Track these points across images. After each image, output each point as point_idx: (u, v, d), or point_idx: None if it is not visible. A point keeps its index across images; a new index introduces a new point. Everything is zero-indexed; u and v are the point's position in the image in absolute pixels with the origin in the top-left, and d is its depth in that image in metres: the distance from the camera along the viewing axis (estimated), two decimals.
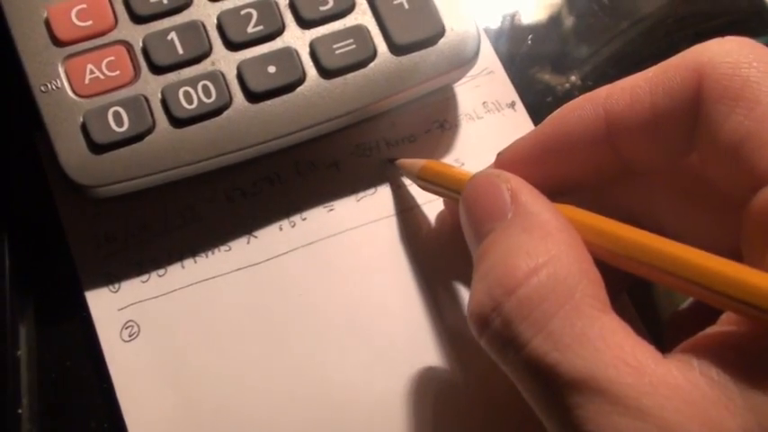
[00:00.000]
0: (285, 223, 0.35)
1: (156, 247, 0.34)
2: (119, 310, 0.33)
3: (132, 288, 0.33)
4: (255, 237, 0.35)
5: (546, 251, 0.23)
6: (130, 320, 0.33)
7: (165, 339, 0.32)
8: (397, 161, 0.35)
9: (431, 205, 0.35)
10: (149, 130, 0.32)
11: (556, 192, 0.26)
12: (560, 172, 0.28)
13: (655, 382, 0.20)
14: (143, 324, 0.33)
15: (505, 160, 0.29)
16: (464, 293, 0.34)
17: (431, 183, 0.32)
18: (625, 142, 0.26)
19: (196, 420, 0.31)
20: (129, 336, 0.32)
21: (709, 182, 0.25)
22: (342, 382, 0.32)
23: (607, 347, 0.21)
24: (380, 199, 0.35)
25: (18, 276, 0.33)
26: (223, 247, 0.34)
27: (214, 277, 0.34)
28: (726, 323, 0.22)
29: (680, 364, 0.21)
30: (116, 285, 0.33)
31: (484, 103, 0.37)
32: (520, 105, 0.38)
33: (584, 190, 0.29)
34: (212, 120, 0.32)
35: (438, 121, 0.37)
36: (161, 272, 0.34)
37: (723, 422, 0.19)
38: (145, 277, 0.34)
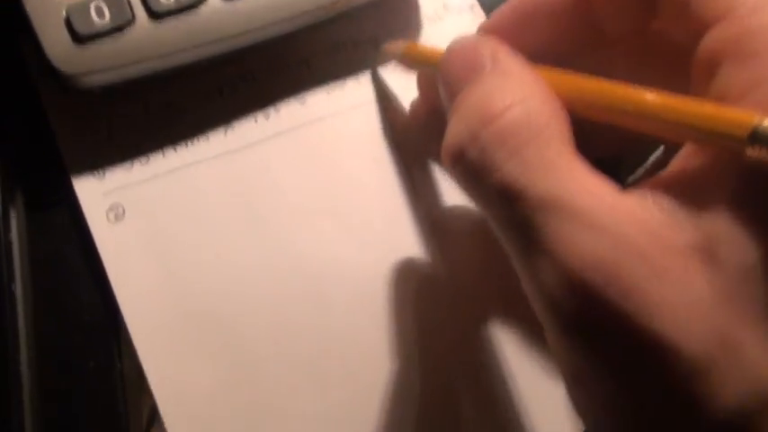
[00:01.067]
0: (260, 115, 0.38)
1: (139, 138, 0.37)
2: (104, 194, 0.36)
3: (116, 174, 0.36)
4: (232, 128, 0.37)
5: (521, 92, 0.26)
6: (116, 202, 0.35)
7: (149, 219, 0.35)
8: (383, 46, 0.38)
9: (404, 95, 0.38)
10: (129, 23, 0.34)
11: (532, 60, 0.29)
12: (536, 40, 0.30)
13: (612, 204, 0.22)
14: (128, 206, 0.35)
15: (485, 31, 0.32)
16: (440, 177, 0.37)
17: (414, 60, 0.35)
18: (595, 8, 0.29)
19: (183, 293, 0.34)
20: (116, 217, 0.35)
21: (671, 45, 0.27)
22: (319, 257, 0.35)
23: (572, 176, 0.23)
24: (350, 91, 0.38)
25: (7, 164, 0.36)
26: (201, 137, 0.37)
27: (193, 163, 0.37)
28: (674, 166, 0.25)
29: (635, 195, 0.23)
30: (101, 172, 0.36)
31: (445, 5, 0.40)
32: (478, 8, 0.40)
33: (557, 58, 0.30)
34: (188, 12, 0.34)
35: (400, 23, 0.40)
36: (143, 159, 0.36)
37: (671, 238, 0.21)
38: (128, 164, 0.36)
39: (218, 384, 0.33)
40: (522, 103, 0.25)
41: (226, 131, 0.37)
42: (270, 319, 0.34)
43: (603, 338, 0.22)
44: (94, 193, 0.35)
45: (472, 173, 0.25)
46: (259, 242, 0.35)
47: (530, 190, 0.23)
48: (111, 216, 0.35)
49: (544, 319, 0.24)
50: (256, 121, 0.37)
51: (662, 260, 0.21)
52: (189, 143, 0.37)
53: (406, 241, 0.36)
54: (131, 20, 0.34)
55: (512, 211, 0.24)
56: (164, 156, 0.36)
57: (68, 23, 0.33)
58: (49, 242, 0.35)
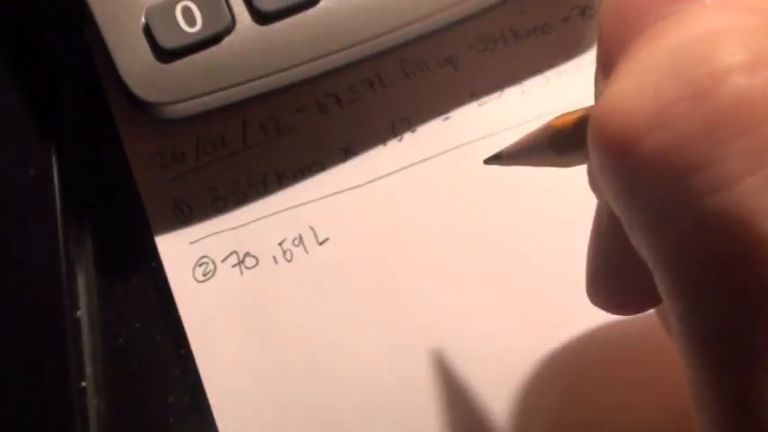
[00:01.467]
0: (390, 136, 0.29)
1: (234, 168, 0.28)
2: (191, 243, 0.28)
3: (206, 217, 0.28)
4: (353, 154, 0.29)
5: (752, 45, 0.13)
6: (204, 256, 0.28)
7: (246, 280, 0.27)
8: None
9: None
10: (228, 30, 0.25)
11: None
12: None
13: None
14: (219, 260, 0.28)
15: None
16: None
17: None
18: None
19: (287, 380, 0.26)
20: (204, 275, 0.27)
21: None
22: (466, 331, 0.27)
23: None
24: (508, 104, 0.29)
25: (71, 214, 0.28)
26: (314, 167, 0.29)
27: (303, 204, 0.28)
28: None
29: None
30: (187, 214, 0.28)
31: None
32: None
33: None
34: (306, 12, 0.26)
35: (578, 6, 0.30)
36: (240, 197, 0.28)
37: None
38: (221, 204, 0.28)
39: None
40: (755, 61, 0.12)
41: (346, 157, 0.29)
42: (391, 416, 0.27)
43: None
44: (179, 243, 0.28)
45: (661, 174, 0.13)
46: (385, 316, 0.27)
47: None
48: (199, 273, 0.27)
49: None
50: (385, 143, 0.29)
51: None
52: (298, 174, 0.28)
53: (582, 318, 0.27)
54: (231, 25, 0.25)
55: (729, 270, 0.12)
56: (266, 191, 0.28)
57: (148, 32, 0.25)
58: (125, 317, 0.27)
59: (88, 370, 0.26)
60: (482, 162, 0.22)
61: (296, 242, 0.27)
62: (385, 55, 0.28)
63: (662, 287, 0.14)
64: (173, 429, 0.26)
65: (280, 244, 0.27)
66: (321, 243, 0.27)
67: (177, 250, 0.27)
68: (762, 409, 0.12)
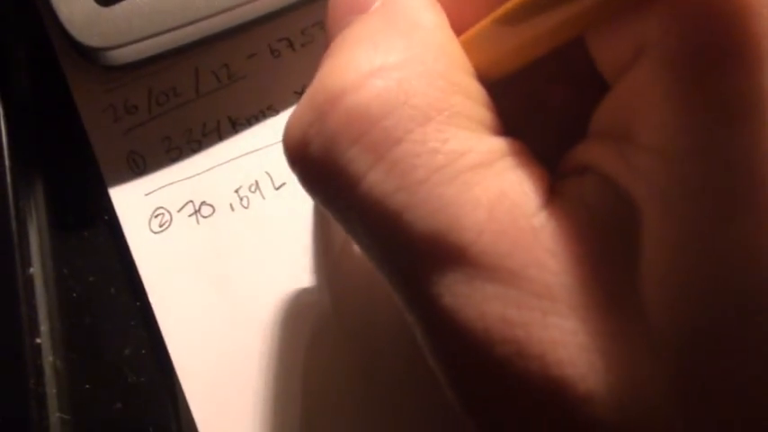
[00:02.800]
0: None
1: (188, 117, 0.28)
2: (146, 195, 0.27)
3: (161, 168, 0.28)
4: None
5: (406, 47, 0.16)
6: (160, 207, 0.27)
7: (203, 229, 0.27)
8: None
9: None
10: None
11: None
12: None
13: (537, 227, 0.15)
14: (175, 210, 0.27)
15: None
16: None
17: None
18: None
19: (244, 327, 0.26)
20: (160, 226, 0.27)
21: None
22: None
23: (482, 177, 0.15)
24: None
25: (21, 170, 0.27)
26: (269, 112, 0.28)
27: (259, 149, 0.28)
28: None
29: (572, 192, 0.16)
30: (141, 165, 0.28)
31: None
32: None
33: None
34: None
35: None
36: (194, 146, 0.28)
37: (615, 277, 0.14)
38: (175, 153, 0.28)
39: None
40: (401, 66, 0.16)
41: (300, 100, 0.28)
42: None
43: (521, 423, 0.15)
44: (134, 195, 0.27)
45: (318, 180, 0.17)
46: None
47: (409, 214, 0.15)
48: (155, 224, 0.27)
49: (444, 384, 0.16)
50: None
51: (606, 324, 0.14)
52: (252, 120, 0.28)
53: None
54: None
55: (387, 248, 0.16)
56: (220, 138, 0.28)
57: None
58: (78, 271, 0.27)
59: (43, 327, 0.26)
60: None
61: (252, 188, 0.27)
62: None
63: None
64: (131, 382, 0.26)
65: (236, 191, 0.27)
66: (278, 188, 0.27)
67: (132, 202, 0.27)
68: None
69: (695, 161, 0.14)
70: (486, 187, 0.15)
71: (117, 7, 0.24)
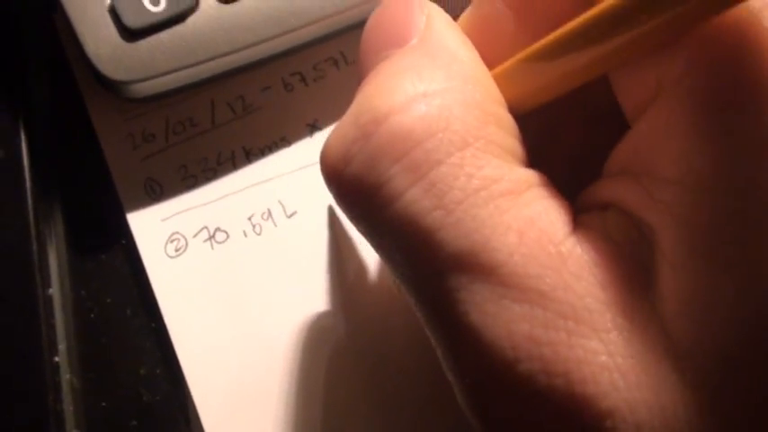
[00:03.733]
0: None
1: (203, 146, 0.29)
2: (162, 220, 0.29)
3: (177, 194, 0.29)
4: (319, 129, 0.30)
5: (447, 77, 0.17)
6: (176, 232, 0.28)
7: (217, 254, 0.28)
8: None
9: None
10: (192, 9, 0.26)
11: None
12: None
13: (564, 253, 0.16)
14: (191, 236, 0.28)
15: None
16: None
17: None
18: None
19: (258, 350, 0.27)
20: (176, 250, 0.28)
21: None
22: None
23: (512, 205, 0.16)
24: None
25: (41, 194, 0.29)
26: (281, 143, 0.29)
27: (272, 179, 0.29)
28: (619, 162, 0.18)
29: (590, 233, 0.17)
30: (158, 192, 0.29)
31: None
32: None
33: None
34: None
35: None
36: (210, 174, 0.29)
37: (636, 303, 0.15)
38: (191, 181, 0.29)
39: None
40: (441, 94, 0.17)
41: (312, 133, 0.29)
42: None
43: None
44: (150, 220, 0.28)
45: (357, 197, 0.18)
46: (353, 281, 0.28)
47: (444, 233, 0.16)
48: (171, 249, 0.28)
49: (464, 406, 0.17)
50: None
51: (627, 346, 0.15)
52: (266, 150, 0.29)
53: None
54: (195, 4, 0.26)
55: (417, 264, 0.17)
56: (234, 167, 0.29)
57: (114, 12, 0.26)
58: (96, 293, 0.28)
59: (61, 346, 0.27)
60: None
61: (265, 216, 0.28)
62: (348, 32, 0.29)
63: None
64: (145, 400, 0.27)
65: (249, 218, 0.28)
66: (290, 216, 0.28)
67: (149, 227, 0.28)
68: None
69: (716, 190, 0.15)
70: (515, 215, 0.16)
71: (141, 43, 0.26)
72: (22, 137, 0.29)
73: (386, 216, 0.17)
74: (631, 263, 0.16)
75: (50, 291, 0.28)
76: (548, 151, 0.20)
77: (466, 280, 0.16)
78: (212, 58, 0.26)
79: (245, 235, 0.28)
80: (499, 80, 0.19)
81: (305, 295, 0.27)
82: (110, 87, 0.26)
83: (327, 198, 0.28)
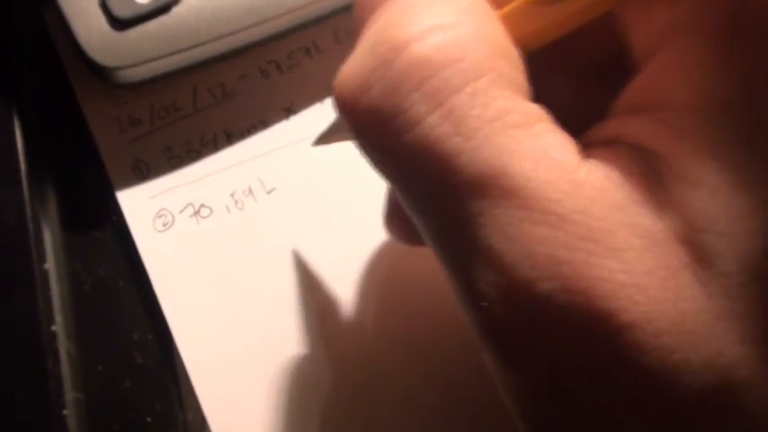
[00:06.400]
0: (326, 95, 0.32)
1: (187, 129, 0.32)
2: (150, 198, 0.31)
3: (163, 174, 0.31)
4: (294, 112, 0.32)
5: (457, 12, 0.18)
6: (163, 209, 0.31)
7: (202, 228, 0.30)
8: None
9: None
10: (176, 0, 0.28)
11: None
12: None
13: (573, 181, 0.16)
14: (177, 212, 0.31)
15: None
16: None
17: None
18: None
19: (240, 312, 0.29)
20: (163, 225, 0.30)
21: None
22: None
23: (523, 141, 0.17)
24: None
25: (36, 177, 0.31)
26: (260, 125, 0.32)
27: (252, 158, 0.31)
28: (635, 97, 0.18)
29: (601, 163, 0.17)
30: (145, 172, 0.31)
31: None
32: None
33: None
34: None
35: None
36: (193, 155, 0.31)
37: (652, 228, 0.16)
38: (176, 161, 0.31)
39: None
40: (454, 26, 0.17)
41: (288, 116, 0.32)
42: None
43: (565, 377, 0.16)
44: (139, 198, 0.31)
45: (375, 124, 0.18)
46: (328, 250, 0.30)
47: (465, 157, 0.16)
48: (159, 224, 0.30)
49: (480, 339, 0.18)
50: (323, 102, 0.32)
51: (644, 263, 0.16)
52: (245, 132, 0.31)
53: None
54: None
55: (438, 190, 0.17)
56: (216, 148, 0.31)
57: (104, 5, 0.28)
58: (91, 267, 0.30)
59: (58, 316, 0.29)
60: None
61: (246, 193, 0.31)
62: (319, 23, 0.31)
63: (406, 209, 0.19)
64: (138, 363, 0.29)
65: (231, 195, 0.31)
66: (269, 192, 0.31)
67: (138, 204, 0.31)
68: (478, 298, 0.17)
69: (733, 111, 0.15)
70: (529, 145, 0.16)
71: (130, 32, 0.28)
72: (16, 124, 0.31)
73: (405, 142, 0.17)
74: (644, 186, 0.16)
75: (46, 265, 0.30)
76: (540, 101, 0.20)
77: (486, 204, 0.16)
78: (195, 46, 0.29)
79: (228, 210, 0.30)
80: (504, 19, 0.19)
81: (283, 263, 0.30)
82: (100, 74, 0.28)
83: (304, 176, 0.31)
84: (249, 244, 0.30)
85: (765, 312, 0.15)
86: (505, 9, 0.19)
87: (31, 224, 0.30)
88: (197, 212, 0.30)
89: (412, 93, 0.17)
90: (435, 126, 0.16)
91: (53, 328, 0.29)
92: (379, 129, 0.17)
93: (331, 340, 0.29)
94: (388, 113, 0.17)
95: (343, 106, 0.18)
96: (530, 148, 0.16)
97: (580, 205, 0.16)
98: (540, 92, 0.20)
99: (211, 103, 0.32)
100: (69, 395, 0.28)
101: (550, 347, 0.16)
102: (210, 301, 0.29)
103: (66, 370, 0.29)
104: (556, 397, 0.17)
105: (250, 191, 0.31)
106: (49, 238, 0.30)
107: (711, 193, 0.15)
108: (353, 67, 0.18)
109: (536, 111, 0.17)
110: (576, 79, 0.21)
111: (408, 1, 0.18)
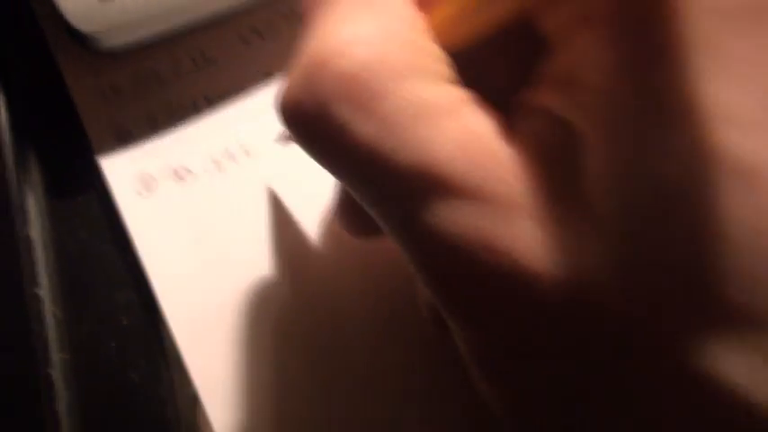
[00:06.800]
0: None
1: (167, 96, 0.32)
2: (132, 163, 0.31)
3: (145, 139, 0.32)
4: (275, 78, 0.32)
5: (380, 19, 0.19)
6: (145, 173, 0.31)
7: (184, 191, 0.31)
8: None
9: None
10: None
11: None
12: None
13: (499, 156, 0.18)
14: (159, 176, 0.31)
15: None
16: None
17: None
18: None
19: (219, 272, 0.30)
20: (145, 189, 0.31)
21: None
22: None
23: (449, 123, 0.18)
24: None
25: (19, 144, 0.31)
26: (240, 91, 0.32)
27: (232, 123, 0.32)
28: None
29: (523, 128, 0.19)
30: (126, 138, 0.31)
31: None
32: None
33: None
34: None
35: None
36: (174, 121, 0.32)
37: (565, 188, 0.18)
38: (157, 128, 0.32)
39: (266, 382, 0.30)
40: (374, 36, 0.19)
41: (268, 81, 0.32)
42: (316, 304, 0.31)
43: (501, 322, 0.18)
44: (121, 164, 0.31)
45: (313, 138, 0.19)
46: (303, 210, 0.31)
47: (394, 159, 0.18)
48: (142, 189, 0.31)
49: (441, 305, 0.20)
50: None
51: (549, 224, 0.18)
52: (226, 99, 0.32)
53: None
54: None
55: (379, 191, 0.19)
56: (198, 114, 0.32)
57: None
58: (74, 232, 0.31)
59: (43, 281, 0.30)
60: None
61: (227, 157, 0.31)
62: None
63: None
64: (124, 324, 0.30)
65: (213, 159, 0.31)
66: (249, 156, 0.31)
67: (119, 170, 0.31)
68: None
69: (629, 92, 0.17)
70: (455, 128, 0.18)
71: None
72: (1, 95, 0.31)
73: (343, 151, 0.18)
74: (560, 157, 0.18)
75: (31, 232, 0.30)
76: (482, 82, 0.22)
77: (420, 195, 0.18)
78: (176, 12, 0.29)
79: (210, 173, 0.31)
80: (430, 21, 0.21)
81: (263, 225, 0.30)
82: (82, 41, 0.29)
83: None
84: (231, 206, 0.31)
85: (638, 254, 0.17)
86: (432, 13, 0.21)
87: (15, 191, 0.30)
88: (179, 176, 0.31)
89: (341, 105, 0.18)
90: (365, 133, 0.18)
91: (39, 292, 0.29)
92: (318, 142, 0.19)
93: (303, 279, 0.30)
94: (322, 127, 0.19)
95: (286, 121, 0.19)
96: (455, 133, 0.18)
97: (502, 179, 0.18)
98: (486, 69, 0.22)
99: (192, 69, 0.32)
100: (56, 356, 0.29)
101: (485, 301, 0.18)
102: (192, 262, 0.30)
103: (52, 332, 0.29)
104: (496, 339, 0.19)
105: (231, 155, 0.31)
106: (33, 205, 0.31)
107: (613, 162, 0.17)
108: (290, 83, 0.19)
109: (461, 95, 0.19)
110: (514, 65, 0.22)
111: (333, 14, 0.19)
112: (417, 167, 0.18)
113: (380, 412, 0.29)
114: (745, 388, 0.17)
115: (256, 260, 0.30)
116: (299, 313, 0.29)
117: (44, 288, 0.30)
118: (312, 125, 0.19)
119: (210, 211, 0.30)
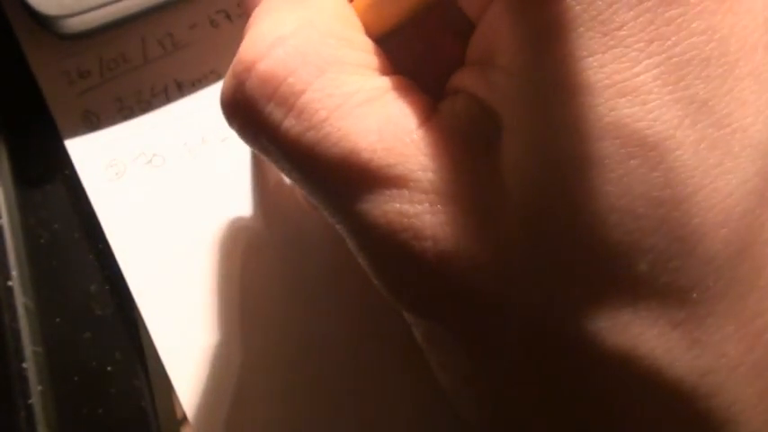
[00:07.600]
0: None
1: (137, 80, 0.31)
2: (101, 149, 0.30)
3: (113, 125, 0.31)
4: None
5: (301, 17, 0.20)
6: (115, 159, 0.30)
7: (155, 177, 0.30)
8: None
9: None
10: None
11: None
12: None
13: (417, 140, 0.19)
14: (129, 161, 0.30)
15: None
16: None
17: None
18: None
19: (193, 258, 0.29)
20: (116, 175, 0.30)
21: None
22: None
23: (371, 111, 0.19)
24: None
25: None
26: (211, 75, 0.31)
27: (204, 107, 0.31)
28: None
29: (446, 109, 0.20)
30: (96, 123, 0.31)
31: None
32: None
33: None
34: None
35: None
36: (144, 105, 0.31)
37: (481, 167, 0.19)
38: (127, 112, 0.31)
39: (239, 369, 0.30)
40: (295, 34, 0.20)
41: None
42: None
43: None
44: (90, 149, 0.30)
45: (249, 135, 0.21)
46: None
47: (318, 150, 0.19)
48: (111, 173, 0.30)
49: (376, 282, 0.21)
50: None
51: (463, 205, 0.19)
52: (196, 83, 0.31)
53: None
54: None
55: (307, 179, 0.20)
56: (167, 99, 0.31)
57: None
58: (44, 220, 0.30)
59: (14, 272, 0.29)
60: None
61: (199, 141, 0.30)
62: None
63: None
64: (97, 315, 0.29)
65: (185, 143, 0.30)
66: (222, 140, 0.30)
67: (88, 156, 0.30)
68: None
69: (532, 71, 0.18)
70: (375, 117, 0.19)
71: None
72: None
73: (274, 144, 0.20)
74: (476, 137, 0.19)
75: (0, 221, 0.29)
76: (431, 63, 0.23)
77: (344, 181, 0.19)
78: None
79: (182, 158, 0.30)
80: (357, 9, 0.22)
81: (234, 207, 0.30)
82: (44, 23, 0.28)
83: None
84: (203, 192, 0.30)
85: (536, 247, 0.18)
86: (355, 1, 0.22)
87: None
88: (149, 161, 0.30)
89: (267, 104, 0.19)
90: (290, 128, 0.19)
91: (9, 283, 0.29)
92: (252, 138, 0.20)
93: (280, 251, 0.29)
94: (254, 125, 0.20)
95: (226, 119, 0.21)
96: (375, 121, 0.19)
97: (420, 164, 0.18)
98: (436, 49, 0.24)
99: (161, 53, 0.31)
100: (28, 349, 0.28)
101: (415, 282, 0.19)
102: (165, 249, 0.29)
103: (24, 324, 0.29)
104: (435, 324, 0.20)
105: (203, 139, 0.30)
106: (2, 194, 0.30)
107: (522, 141, 0.18)
108: (226, 84, 0.21)
109: (384, 83, 0.20)
110: (456, 42, 0.23)
111: (259, 13, 0.21)
112: (341, 159, 0.19)
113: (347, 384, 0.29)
114: (660, 352, 0.17)
115: (229, 246, 0.29)
116: (274, 299, 0.29)
117: (14, 279, 0.29)
118: (245, 124, 0.20)
119: (183, 196, 0.30)
